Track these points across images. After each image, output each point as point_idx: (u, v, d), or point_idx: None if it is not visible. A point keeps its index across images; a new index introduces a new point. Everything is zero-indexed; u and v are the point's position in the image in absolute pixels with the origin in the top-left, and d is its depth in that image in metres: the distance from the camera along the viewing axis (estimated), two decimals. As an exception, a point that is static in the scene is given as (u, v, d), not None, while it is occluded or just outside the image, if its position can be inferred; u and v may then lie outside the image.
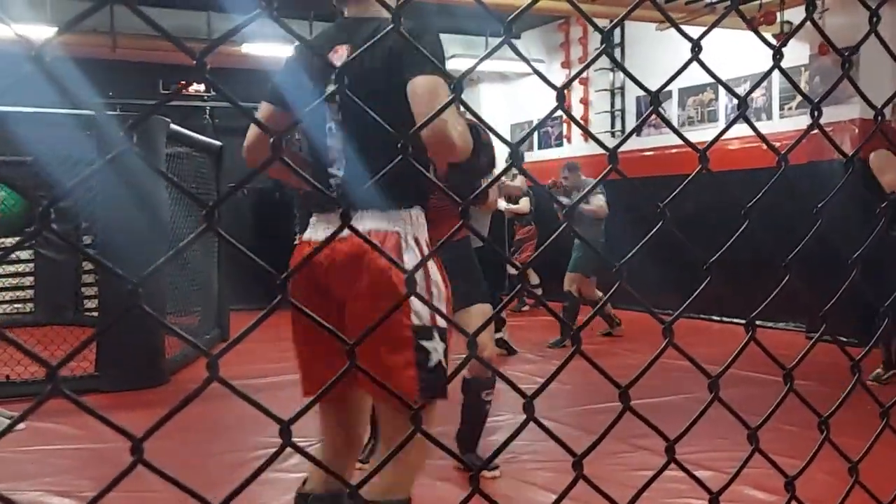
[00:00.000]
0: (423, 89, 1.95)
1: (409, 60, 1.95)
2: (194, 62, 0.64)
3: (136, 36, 8.64)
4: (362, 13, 2.14)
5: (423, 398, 1.94)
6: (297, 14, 9.13)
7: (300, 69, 2.10)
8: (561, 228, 0.94)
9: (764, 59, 1.19)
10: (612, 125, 10.26)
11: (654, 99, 0.88)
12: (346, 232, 1.99)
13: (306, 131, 2.20)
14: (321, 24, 9.55)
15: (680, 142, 1.10)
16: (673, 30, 1.30)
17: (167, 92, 9.01)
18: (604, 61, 10.32)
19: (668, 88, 8.34)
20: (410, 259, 2.01)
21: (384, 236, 1.98)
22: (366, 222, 1.98)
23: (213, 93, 10.02)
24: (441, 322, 1.99)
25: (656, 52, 8.63)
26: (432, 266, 2.04)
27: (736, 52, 6.68)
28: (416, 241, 2.03)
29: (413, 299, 1.84)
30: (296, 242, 2.31)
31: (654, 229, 0.91)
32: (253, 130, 2.18)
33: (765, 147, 1.32)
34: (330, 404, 2.21)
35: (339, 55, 2.07)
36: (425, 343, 1.98)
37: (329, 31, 2.24)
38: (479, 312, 3.50)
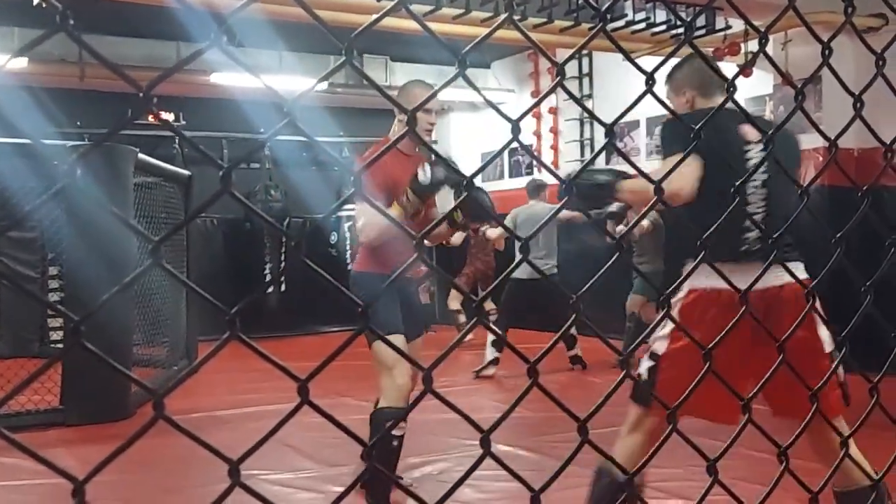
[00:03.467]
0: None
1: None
2: (140, 94, 0.63)
3: (104, 65, 8.59)
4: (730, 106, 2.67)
5: (844, 407, 2.39)
6: (267, 46, 9.14)
7: (722, 129, 2.57)
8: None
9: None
10: (582, 154, 10.34)
11: (609, 131, 0.89)
12: (785, 279, 2.33)
13: (715, 184, 2.40)
14: (290, 55, 9.57)
15: (647, 170, 1.11)
16: (640, 60, 1.33)
17: (136, 122, 8.95)
18: (574, 90, 10.42)
19: (635, 118, 8.41)
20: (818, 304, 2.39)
21: (806, 282, 2.33)
22: (799, 272, 2.46)
23: (183, 122, 10.02)
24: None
25: (623, 82, 8.73)
26: None
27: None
28: None
29: (821, 330, 2.48)
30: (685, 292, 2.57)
31: (612, 261, 0.91)
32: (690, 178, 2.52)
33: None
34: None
35: (746, 131, 2.61)
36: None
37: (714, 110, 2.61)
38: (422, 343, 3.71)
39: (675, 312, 2.50)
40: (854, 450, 2.38)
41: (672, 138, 2.63)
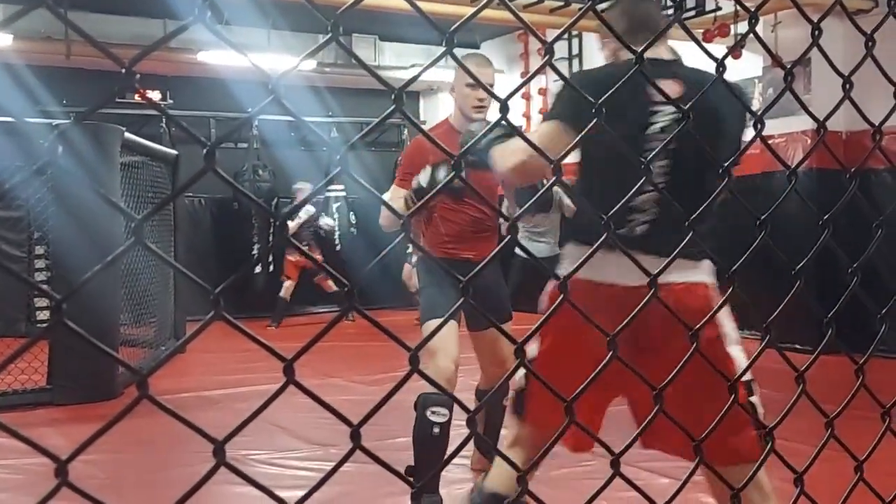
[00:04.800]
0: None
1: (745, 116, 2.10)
2: (123, 70, 0.62)
3: (86, 41, 8.51)
4: (660, 55, 2.14)
5: (762, 452, 1.93)
6: (256, 24, 9.07)
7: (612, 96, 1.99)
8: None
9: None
10: (572, 135, 10.32)
11: (598, 111, 0.88)
12: (671, 278, 1.79)
13: (605, 157, 2.01)
14: (279, 33, 9.50)
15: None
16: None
17: (123, 100, 8.88)
18: (564, 71, 10.37)
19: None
20: (723, 312, 1.95)
21: (702, 288, 1.95)
22: (678, 272, 1.86)
23: (170, 101, 9.94)
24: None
25: (614, 62, 8.70)
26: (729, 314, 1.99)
27: (695, 63, 6.75)
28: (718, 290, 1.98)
29: (736, 354, 1.90)
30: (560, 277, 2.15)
31: (599, 243, 0.91)
32: (527, 151, 2.03)
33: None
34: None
35: (664, 88, 1.98)
36: (753, 399, 1.93)
37: (623, 69, 2.15)
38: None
39: (542, 306, 2.14)
40: None
41: (555, 102, 2.16)
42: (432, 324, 3.22)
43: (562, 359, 1.96)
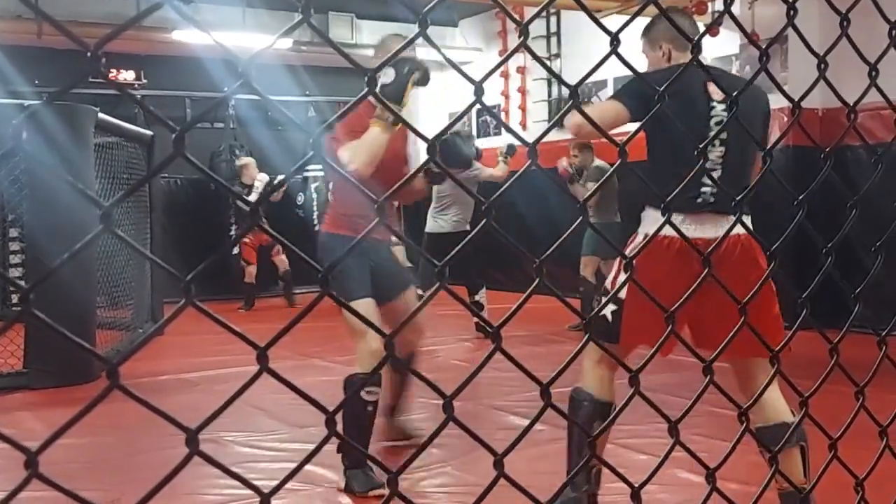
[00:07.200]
0: None
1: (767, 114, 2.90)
2: (88, 54, 0.61)
3: (61, 23, 8.37)
4: (684, 59, 2.85)
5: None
6: (230, 2, 8.97)
7: (689, 87, 2.65)
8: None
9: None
10: (550, 113, 10.31)
11: (573, 93, 0.87)
12: (724, 230, 2.32)
13: (677, 141, 2.61)
14: (253, 12, 9.40)
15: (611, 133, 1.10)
16: (608, 19, 1.33)
17: (95, 80, 8.74)
18: (542, 49, 10.35)
19: (603, 77, 8.35)
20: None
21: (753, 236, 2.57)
22: (740, 226, 2.46)
23: (144, 81, 9.81)
24: None
25: (593, 41, 8.67)
26: None
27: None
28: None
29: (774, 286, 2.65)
30: (643, 237, 2.78)
31: (573, 227, 0.90)
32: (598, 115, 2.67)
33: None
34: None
35: (713, 89, 2.69)
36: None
37: (680, 70, 2.85)
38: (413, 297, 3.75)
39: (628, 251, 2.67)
40: (777, 391, 2.67)
41: (624, 88, 2.80)
42: (355, 304, 3.25)
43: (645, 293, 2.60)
